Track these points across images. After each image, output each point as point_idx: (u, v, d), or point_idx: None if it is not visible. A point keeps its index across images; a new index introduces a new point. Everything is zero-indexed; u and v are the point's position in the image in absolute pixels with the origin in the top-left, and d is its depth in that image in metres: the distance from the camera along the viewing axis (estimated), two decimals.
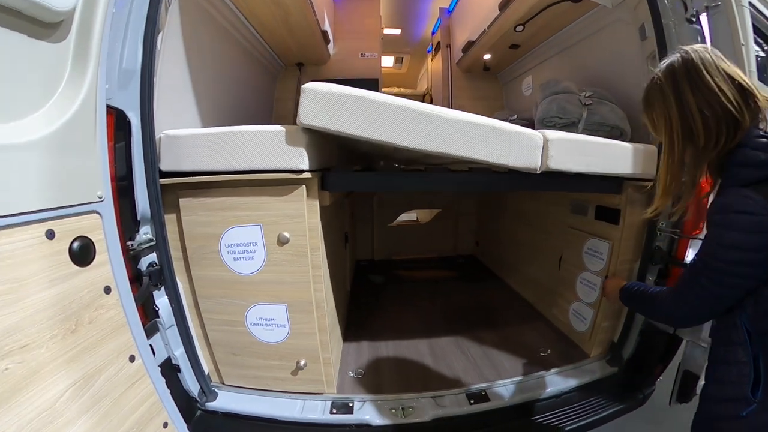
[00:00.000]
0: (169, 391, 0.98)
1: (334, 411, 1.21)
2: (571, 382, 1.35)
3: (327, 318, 1.16)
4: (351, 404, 1.23)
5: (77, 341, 0.70)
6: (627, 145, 1.25)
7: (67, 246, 0.70)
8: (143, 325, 0.93)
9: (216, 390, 1.24)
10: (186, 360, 1.13)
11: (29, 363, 0.60)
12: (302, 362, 1.18)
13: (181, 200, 1.11)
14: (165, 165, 1.08)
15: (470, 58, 2.56)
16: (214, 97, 1.63)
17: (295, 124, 1.00)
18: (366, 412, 1.21)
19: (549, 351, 1.48)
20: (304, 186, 1.04)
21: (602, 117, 1.40)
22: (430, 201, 2.77)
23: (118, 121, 0.93)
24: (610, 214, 1.38)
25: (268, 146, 0.99)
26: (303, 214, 1.05)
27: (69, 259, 0.69)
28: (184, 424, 1.00)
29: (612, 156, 1.21)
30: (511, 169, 1.12)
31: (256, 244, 1.10)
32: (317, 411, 1.21)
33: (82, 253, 0.72)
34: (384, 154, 1.36)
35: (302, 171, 1.00)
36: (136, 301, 0.90)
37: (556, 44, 2.02)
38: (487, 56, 2.39)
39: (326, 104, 0.90)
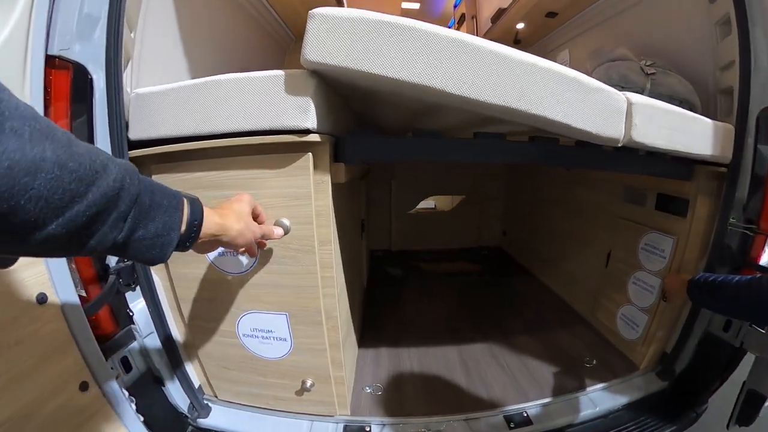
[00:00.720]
0: (141, 417, 0.85)
1: None
2: (620, 400, 1.17)
3: (340, 329, 0.94)
4: (368, 429, 1.02)
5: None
6: (708, 121, 1.04)
7: None
8: (111, 335, 0.82)
9: (209, 404, 1.06)
10: (170, 372, 0.97)
11: None
12: (308, 383, 0.98)
13: (154, 177, 0.88)
14: (135, 132, 0.88)
15: (500, 29, 2.31)
16: (212, 69, 1.36)
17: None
18: None
19: (594, 362, 1.29)
20: (309, 154, 0.78)
21: (670, 89, 1.19)
22: (454, 185, 2.53)
23: (76, 79, 0.76)
24: (676, 204, 1.19)
25: (259, 98, 0.76)
26: (309, 194, 0.80)
27: None
28: None
29: (693, 132, 1.01)
30: (581, 140, 0.90)
31: None
32: None
33: None
34: (411, 122, 1.12)
35: (307, 131, 0.75)
36: (88, 311, 0.73)
37: (599, 12, 1.78)
38: (520, 26, 2.15)
39: (350, 35, 0.66)
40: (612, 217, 1.42)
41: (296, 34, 2.20)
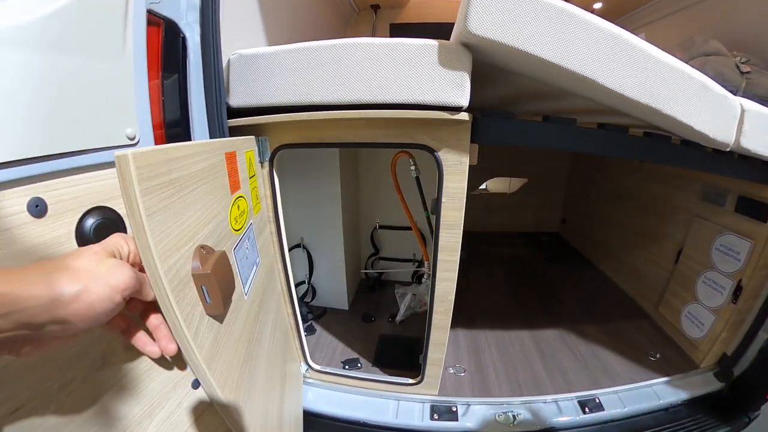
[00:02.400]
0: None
1: (436, 416, 1.12)
2: (680, 395, 1.29)
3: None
4: (454, 408, 1.14)
5: (105, 380, 0.50)
6: None
7: (73, 227, 0.48)
8: None
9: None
10: None
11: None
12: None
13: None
14: (236, 99, 0.87)
15: (576, 4, 2.29)
16: (280, 36, 1.39)
17: None
18: (470, 418, 1.12)
19: (658, 355, 1.41)
20: (462, 131, 0.80)
21: (766, 90, 1.26)
22: (519, 168, 2.62)
23: (167, 37, 0.72)
24: (758, 208, 1.27)
25: (411, 68, 0.72)
26: (442, 174, 0.84)
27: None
28: None
29: None
30: (691, 140, 0.98)
31: None
32: (414, 416, 1.13)
33: (101, 238, 0.44)
34: (520, 104, 1.17)
35: (459, 108, 0.75)
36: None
37: None
38: (598, 5, 2.17)
39: (518, 11, 0.65)
40: (687, 215, 1.51)
41: (358, 5, 2.23)
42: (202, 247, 0.53)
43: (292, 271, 1.45)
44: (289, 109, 0.84)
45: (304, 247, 1.45)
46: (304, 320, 1.43)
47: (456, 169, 0.85)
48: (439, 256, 0.93)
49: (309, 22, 1.72)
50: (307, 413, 1.13)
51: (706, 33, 1.61)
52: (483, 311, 1.63)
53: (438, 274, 0.95)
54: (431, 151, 0.85)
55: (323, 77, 0.78)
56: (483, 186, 2.79)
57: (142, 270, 0.43)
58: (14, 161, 0.41)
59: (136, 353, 0.53)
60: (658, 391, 1.29)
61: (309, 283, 1.51)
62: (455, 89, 0.74)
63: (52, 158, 0.46)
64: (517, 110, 1.19)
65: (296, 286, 1.49)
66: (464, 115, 0.78)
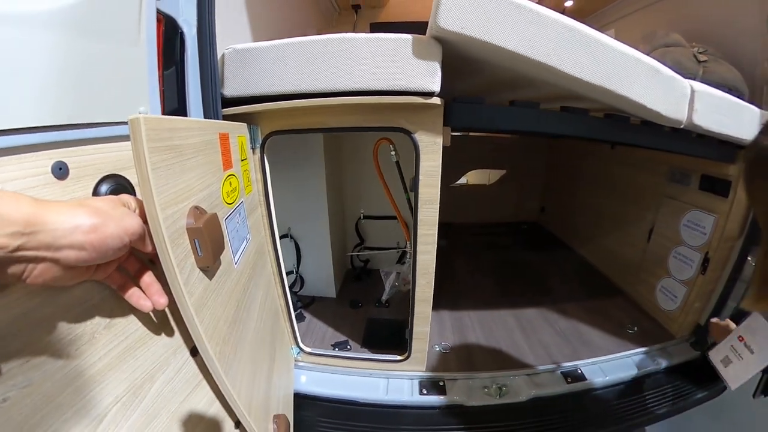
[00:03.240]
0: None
1: (424, 391, 1.20)
2: (659, 363, 1.38)
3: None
4: (441, 383, 1.22)
5: (111, 339, 0.53)
6: (756, 110, 1.24)
7: (90, 190, 0.54)
8: None
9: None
10: None
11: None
12: None
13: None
14: (230, 89, 0.94)
15: (547, 3, 2.43)
16: (265, 34, 1.49)
17: None
18: (457, 391, 1.20)
19: (636, 329, 1.52)
20: (436, 114, 0.91)
21: (721, 77, 1.38)
22: (496, 160, 2.75)
23: (167, 32, 0.80)
24: (719, 185, 1.39)
25: (389, 59, 0.83)
26: (418, 155, 0.94)
27: None
28: None
29: (742, 119, 1.21)
30: (647, 120, 1.10)
31: None
32: (404, 392, 1.20)
33: None
34: (492, 93, 1.27)
35: (432, 93, 0.85)
36: None
37: None
38: (568, 3, 2.31)
39: (481, 7, 0.76)
40: (656, 196, 1.62)
41: (339, 5, 2.33)
42: (196, 207, 0.60)
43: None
44: (279, 98, 0.92)
45: (291, 237, 1.52)
46: (294, 308, 1.49)
47: (431, 149, 0.94)
48: (419, 230, 1.02)
49: (293, 22, 1.82)
50: (301, 396, 1.18)
51: (669, 27, 1.75)
52: (466, 294, 1.73)
53: (419, 248, 1.04)
54: (408, 133, 0.94)
55: (311, 68, 0.87)
56: (463, 180, 2.90)
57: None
58: (45, 126, 0.48)
59: (139, 316, 0.58)
60: (637, 361, 1.38)
61: (297, 272, 1.57)
62: (427, 76, 0.84)
63: (77, 127, 0.53)
64: (492, 99, 1.30)
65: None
66: (436, 100, 0.88)
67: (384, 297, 1.53)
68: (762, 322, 0.92)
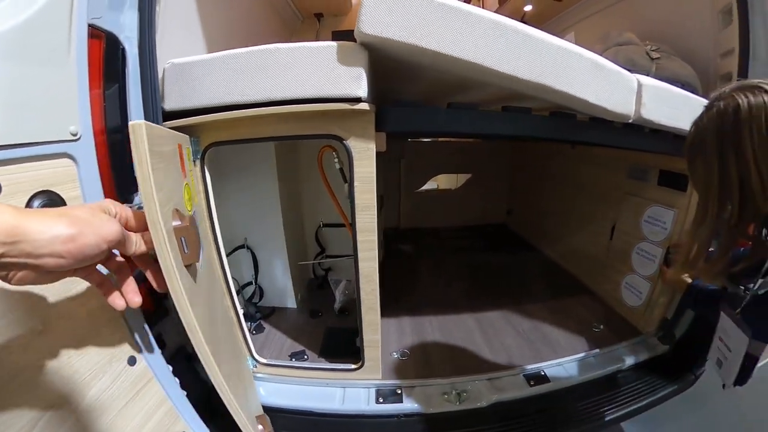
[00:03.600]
0: (184, 392, 0.84)
1: (381, 400, 1.10)
2: (626, 361, 1.29)
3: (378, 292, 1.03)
4: (399, 391, 1.12)
5: (48, 346, 0.54)
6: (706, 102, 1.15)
7: (23, 206, 0.54)
8: (147, 311, 0.80)
9: None
10: None
11: None
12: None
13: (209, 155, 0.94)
14: (170, 103, 0.89)
15: (507, 9, 2.41)
16: (224, 45, 1.40)
17: None
18: (416, 399, 1.10)
19: (602, 326, 1.41)
20: (367, 120, 0.85)
21: (673, 73, 1.29)
22: (461, 165, 2.64)
23: (108, 48, 0.76)
24: (677, 179, 1.30)
25: (314, 67, 0.79)
26: (352, 160, 0.87)
27: None
28: (206, 429, 0.86)
29: (694, 113, 1.11)
30: (596, 116, 1.00)
31: None
32: (361, 401, 1.11)
33: None
34: (436, 98, 1.19)
35: (358, 99, 0.80)
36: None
37: None
38: (528, 7, 2.23)
39: (402, 9, 0.70)
40: (617, 193, 1.53)
41: (302, 13, 2.26)
42: (176, 210, 0.63)
43: (240, 272, 1.46)
44: (216, 109, 0.87)
45: (248, 248, 1.42)
46: (253, 320, 1.40)
47: (364, 155, 0.87)
48: (359, 237, 0.94)
49: (253, 31, 1.73)
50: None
51: (626, 28, 1.66)
52: (428, 299, 1.62)
53: (360, 255, 0.96)
54: (340, 139, 0.88)
55: (238, 81, 0.83)
56: (428, 185, 2.81)
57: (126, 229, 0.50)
58: None
59: (74, 323, 0.58)
60: (603, 360, 1.29)
61: (255, 283, 1.47)
62: (353, 83, 0.78)
63: (9, 147, 0.53)
64: (442, 102, 1.21)
65: (244, 287, 1.48)
66: (364, 106, 0.81)
67: (336, 306, 1.43)
68: (729, 323, 0.84)
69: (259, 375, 1.16)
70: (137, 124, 0.50)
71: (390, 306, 1.52)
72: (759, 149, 0.55)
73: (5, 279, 0.40)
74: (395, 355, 1.24)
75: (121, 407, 0.64)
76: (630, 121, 0.98)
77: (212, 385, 0.69)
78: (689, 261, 0.71)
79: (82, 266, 0.44)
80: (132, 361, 0.68)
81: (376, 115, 0.87)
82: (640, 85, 0.97)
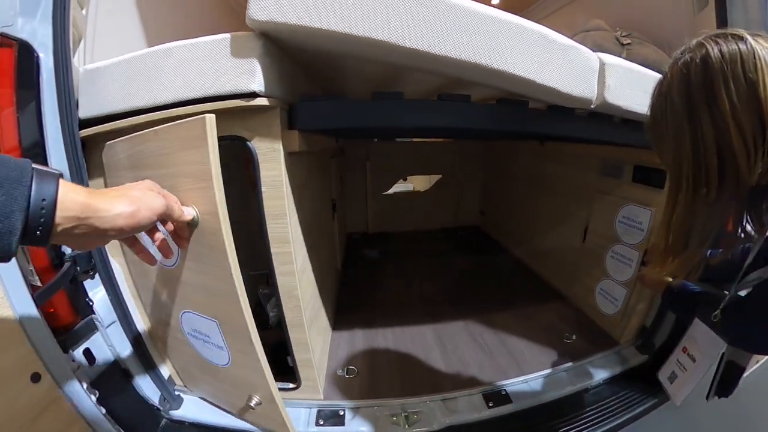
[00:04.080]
0: (103, 410, 0.73)
1: (321, 422, 0.91)
2: (600, 374, 1.09)
3: (303, 308, 0.84)
4: (342, 412, 0.93)
5: None
6: None
7: None
8: (71, 325, 0.73)
9: (181, 395, 0.93)
10: (138, 363, 0.85)
11: None
12: (254, 400, 0.76)
13: (105, 156, 0.77)
14: (84, 110, 0.78)
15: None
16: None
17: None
18: (360, 421, 0.91)
19: (574, 337, 1.20)
20: (271, 117, 0.70)
21: (645, 59, 1.08)
22: (431, 166, 2.41)
23: (21, 57, 0.66)
24: (653, 175, 1.09)
25: (207, 64, 0.66)
26: (279, 158, 0.71)
27: None
28: None
29: None
30: (552, 104, 0.80)
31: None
32: (300, 422, 0.91)
33: None
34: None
35: (253, 95, 0.66)
36: (37, 298, 0.64)
37: None
38: (495, 0, 2.03)
39: None
40: (589, 192, 1.32)
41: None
42: None
43: None
44: (121, 115, 0.75)
45: None
46: None
47: (270, 156, 0.72)
48: (273, 249, 0.76)
49: (199, 28, 1.55)
50: (193, 425, 0.90)
51: (598, 17, 1.45)
52: (386, 309, 1.40)
53: (277, 269, 0.78)
54: (243, 140, 0.72)
55: (138, 84, 0.72)
56: (404, 187, 2.58)
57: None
58: None
59: None
60: (574, 374, 1.09)
61: None
62: (247, 76, 0.65)
63: None
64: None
65: None
66: (263, 101, 0.67)
67: (271, 321, 1.22)
68: (702, 328, 0.72)
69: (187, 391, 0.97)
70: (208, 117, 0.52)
71: (343, 317, 1.34)
72: (738, 99, 0.42)
73: (77, 242, 0.41)
74: (341, 373, 1.05)
75: (19, 427, 0.57)
76: (593, 107, 0.77)
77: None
78: (663, 253, 0.56)
79: (137, 232, 0.48)
80: (35, 377, 0.61)
81: (289, 112, 0.74)
82: (602, 65, 0.76)
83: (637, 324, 1.19)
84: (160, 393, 0.88)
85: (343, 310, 1.39)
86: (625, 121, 0.95)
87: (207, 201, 0.56)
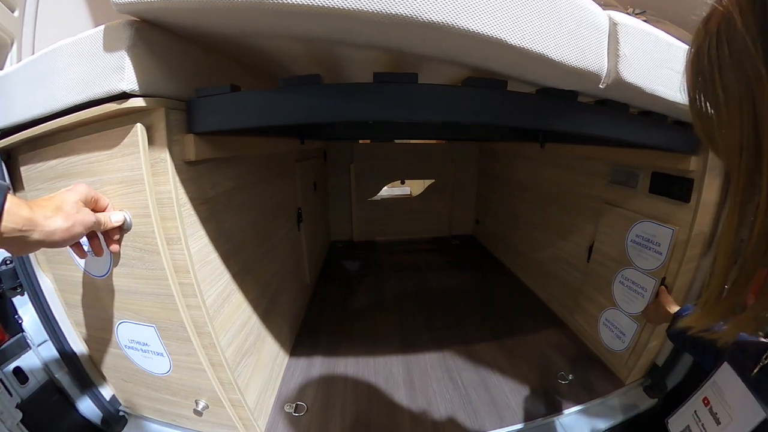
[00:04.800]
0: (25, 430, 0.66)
1: None
2: (599, 425, 0.86)
3: (220, 348, 0.64)
4: None
5: None
6: None
7: None
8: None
9: (126, 415, 0.81)
10: (74, 382, 0.77)
11: None
12: (200, 404, 0.70)
13: (21, 168, 0.66)
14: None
15: None
16: None
17: None
18: None
19: (570, 377, 0.96)
20: (138, 125, 0.53)
21: None
22: (422, 169, 2.14)
23: None
24: (677, 185, 0.84)
25: (85, 63, 0.52)
26: (141, 178, 0.54)
27: None
28: None
29: None
30: (543, 87, 0.57)
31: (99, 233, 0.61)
32: None
33: None
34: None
35: (124, 96, 0.51)
36: None
37: None
38: None
39: None
40: (596, 203, 1.08)
41: None
42: None
43: None
44: (28, 125, 0.62)
45: None
46: None
47: (158, 168, 0.56)
48: (176, 279, 0.58)
49: None
50: None
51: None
52: (354, 334, 1.17)
53: (184, 302, 0.59)
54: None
55: (37, 89, 0.59)
56: (392, 192, 2.32)
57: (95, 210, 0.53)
58: None
59: None
60: (567, 425, 0.86)
61: None
62: (113, 74, 0.51)
63: None
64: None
65: None
66: (137, 102, 0.52)
67: None
68: (732, 380, 0.48)
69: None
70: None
71: (305, 340, 1.13)
72: None
73: (14, 249, 0.44)
74: (289, 409, 0.84)
75: None
76: (602, 87, 0.54)
77: None
78: (729, 294, 0.32)
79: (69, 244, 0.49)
80: None
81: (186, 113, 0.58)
82: (614, 25, 0.53)
83: (646, 362, 0.95)
84: (101, 414, 0.79)
85: (307, 332, 1.18)
86: (647, 113, 0.71)
87: (139, 204, 0.55)
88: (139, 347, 0.68)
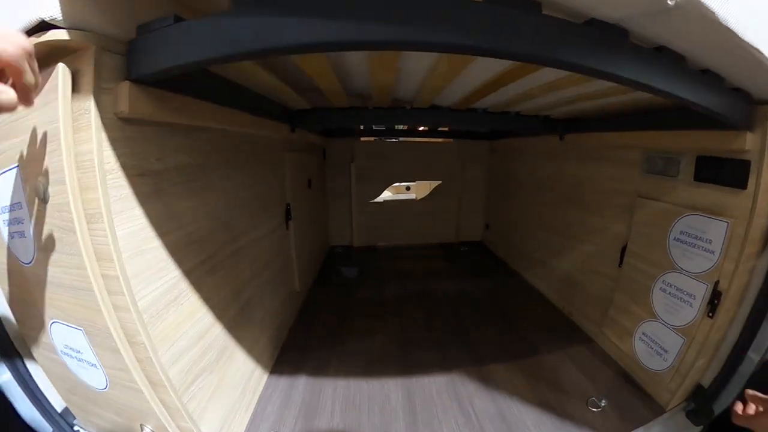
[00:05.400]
0: None
1: None
2: None
3: (158, 364, 0.48)
4: None
5: None
6: None
7: None
8: None
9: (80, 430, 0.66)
10: (20, 392, 0.65)
11: None
12: (146, 430, 0.54)
13: None
14: None
15: None
16: None
17: None
18: None
19: (603, 403, 0.78)
20: (59, 66, 0.41)
21: None
22: (427, 169, 1.97)
23: None
24: (730, 169, 0.69)
25: None
26: (58, 133, 0.40)
27: None
28: None
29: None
30: (590, 17, 0.43)
31: (21, 206, 0.47)
32: None
33: None
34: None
35: (44, 24, 0.39)
36: None
37: None
38: None
39: None
40: (626, 198, 0.92)
41: None
42: None
43: None
44: None
45: None
46: None
47: (81, 123, 0.42)
48: (96, 270, 0.44)
49: None
50: None
51: None
52: (346, 351, 0.99)
53: (108, 300, 0.45)
54: None
55: None
56: (387, 195, 2.16)
57: None
58: None
59: None
60: None
61: None
62: None
63: None
64: None
65: None
66: (59, 34, 0.39)
67: None
68: None
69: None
70: None
71: (290, 356, 0.95)
72: None
73: None
74: None
75: None
76: (671, 4, 0.39)
77: None
78: None
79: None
80: None
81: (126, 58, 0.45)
82: None
83: (691, 383, 0.78)
84: (51, 428, 0.66)
85: (293, 346, 1.00)
86: (705, 71, 0.57)
87: (55, 167, 0.40)
88: (74, 354, 0.53)
